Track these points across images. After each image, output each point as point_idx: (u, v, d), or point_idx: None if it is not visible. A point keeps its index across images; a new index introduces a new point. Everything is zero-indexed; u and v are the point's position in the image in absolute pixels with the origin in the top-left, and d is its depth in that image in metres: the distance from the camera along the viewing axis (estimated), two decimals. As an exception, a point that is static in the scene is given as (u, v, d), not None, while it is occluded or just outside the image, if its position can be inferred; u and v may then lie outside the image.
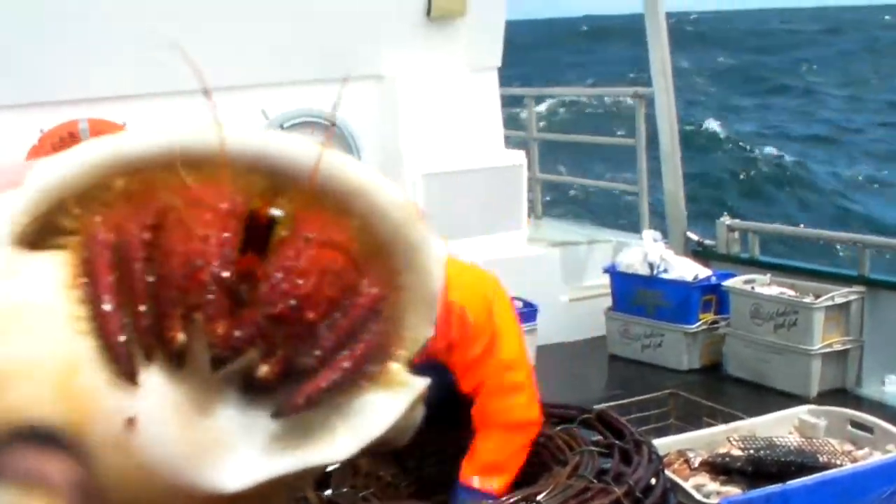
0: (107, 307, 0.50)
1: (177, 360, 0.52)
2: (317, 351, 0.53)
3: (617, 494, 2.95)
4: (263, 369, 0.53)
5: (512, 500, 2.97)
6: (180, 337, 0.50)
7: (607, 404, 3.70)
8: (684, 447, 4.45)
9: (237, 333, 0.53)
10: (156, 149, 0.56)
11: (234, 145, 0.58)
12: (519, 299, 7.33)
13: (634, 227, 9.00)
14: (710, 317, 7.43)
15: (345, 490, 3.07)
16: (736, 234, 7.95)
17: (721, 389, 6.83)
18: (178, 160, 0.57)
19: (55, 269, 0.54)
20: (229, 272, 0.51)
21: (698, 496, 3.85)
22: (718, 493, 4.05)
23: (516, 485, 3.32)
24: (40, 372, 0.49)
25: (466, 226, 7.70)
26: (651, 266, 7.53)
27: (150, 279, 0.51)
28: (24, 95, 6.46)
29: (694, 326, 7.39)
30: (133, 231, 0.51)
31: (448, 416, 3.65)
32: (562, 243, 8.60)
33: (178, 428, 0.53)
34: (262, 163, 0.59)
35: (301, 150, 0.59)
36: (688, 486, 3.94)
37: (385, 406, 0.59)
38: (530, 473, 3.36)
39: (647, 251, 7.58)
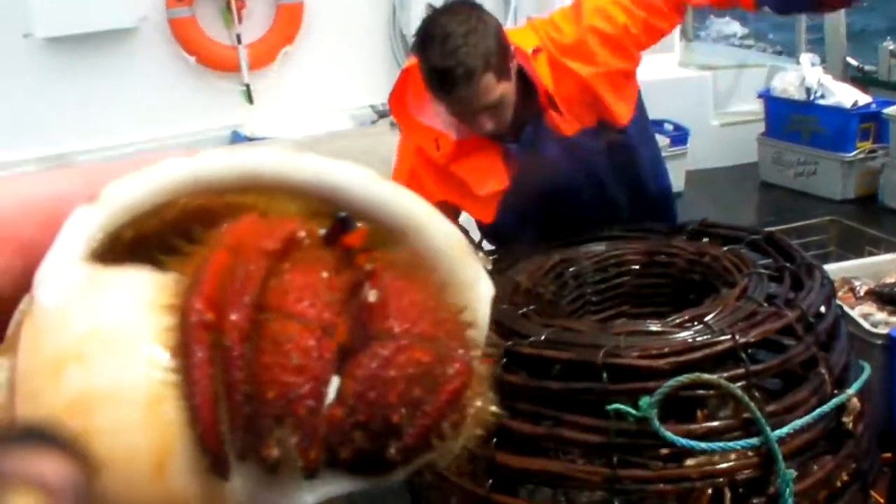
0: (201, 396, 0.49)
1: (267, 468, 0.51)
2: (396, 444, 0.52)
3: (788, 319, 2.83)
4: (342, 456, 0.52)
5: (679, 321, 2.88)
6: (275, 453, 0.49)
7: (768, 229, 3.55)
8: (849, 275, 4.31)
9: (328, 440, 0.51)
10: (231, 173, 0.55)
11: (306, 175, 0.57)
12: (669, 122, 7.18)
13: (790, 52, 8.66)
14: (868, 145, 7.19)
15: (504, 307, 3.02)
16: (900, 60, 7.60)
17: (879, 220, 6.61)
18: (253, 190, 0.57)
19: (137, 287, 0.52)
20: (320, 404, 0.50)
21: (866, 325, 3.73)
22: (887, 324, 3.91)
23: (684, 306, 3.23)
24: (128, 396, 0.48)
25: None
26: (808, 91, 7.27)
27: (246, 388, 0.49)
28: None
29: (851, 155, 7.15)
30: (232, 321, 0.50)
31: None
32: (714, 67, 8.35)
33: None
34: (315, 191, 0.57)
35: (355, 178, 0.57)
36: (855, 314, 3.81)
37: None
38: (696, 294, 3.26)
39: (804, 75, 7.30)
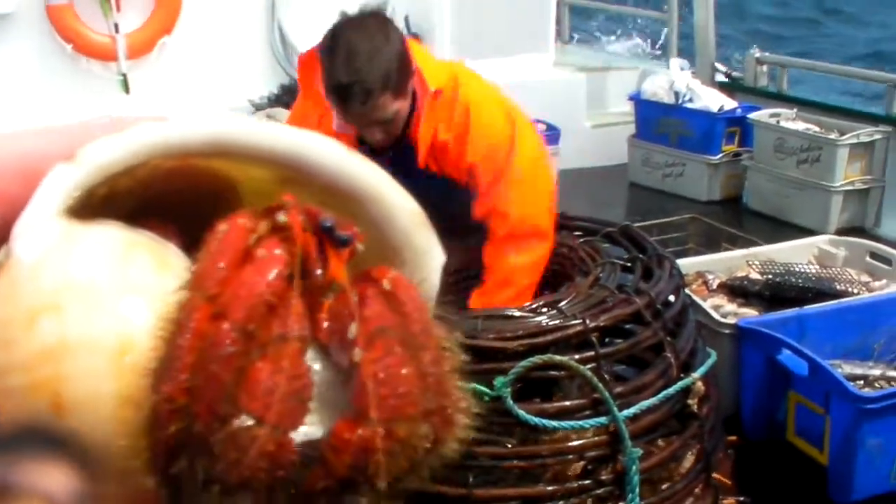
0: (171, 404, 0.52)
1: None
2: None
3: (637, 305, 2.97)
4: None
5: (533, 306, 3.00)
6: (176, 468, 0.53)
7: (623, 222, 3.69)
8: (703, 269, 4.49)
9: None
10: (201, 139, 0.58)
11: (268, 141, 0.60)
12: (542, 122, 7.31)
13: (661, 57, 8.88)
14: (733, 148, 7.42)
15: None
16: (764, 68, 7.84)
17: (740, 221, 6.84)
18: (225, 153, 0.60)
19: (110, 242, 0.55)
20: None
21: (716, 315, 3.89)
22: (736, 315, 4.09)
23: (538, 293, 3.36)
24: (98, 346, 0.51)
25: (493, 45, 7.62)
26: (676, 95, 7.47)
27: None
28: None
29: (716, 157, 7.38)
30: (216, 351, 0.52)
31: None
32: (587, 69, 8.52)
33: None
34: (284, 159, 0.61)
35: (324, 147, 0.61)
36: (706, 305, 3.98)
37: None
38: (552, 283, 3.39)
39: (673, 79, 7.51)
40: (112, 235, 0.55)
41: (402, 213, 0.62)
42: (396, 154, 3.39)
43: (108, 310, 0.52)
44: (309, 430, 0.54)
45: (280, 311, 0.52)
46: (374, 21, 3.33)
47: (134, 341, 0.51)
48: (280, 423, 0.51)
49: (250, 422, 0.50)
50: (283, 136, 0.59)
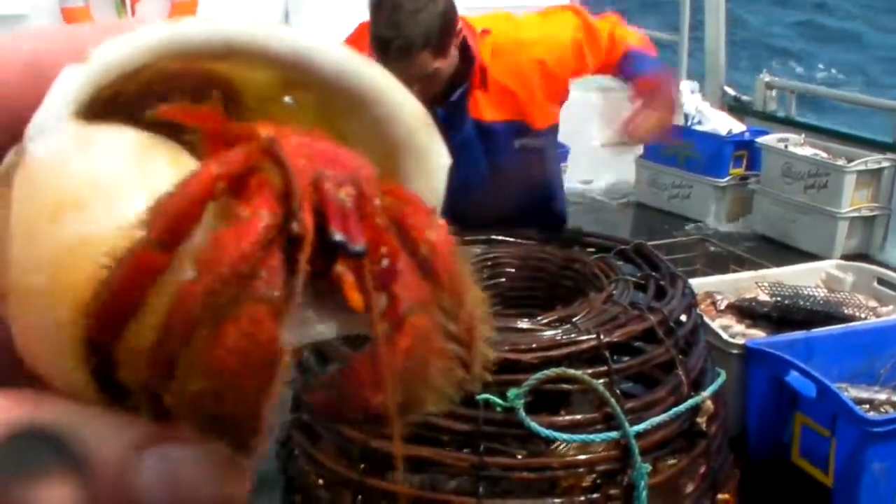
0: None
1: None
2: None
3: (650, 322, 3.00)
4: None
5: (548, 320, 3.03)
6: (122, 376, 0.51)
7: (637, 241, 3.72)
8: (711, 290, 4.52)
9: None
10: (208, 40, 0.58)
11: (281, 45, 0.59)
12: (550, 140, 7.35)
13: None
14: (740, 172, 7.45)
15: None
16: (774, 93, 7.88)
17: (747, 244, 6.87)
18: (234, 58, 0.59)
19: (126, 141, 0.54)
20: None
21: (725, 335, 3.92)
22: (744, 335, 4.12)
23: (552, 308, 3.38)
24: (121, 241, 0.49)
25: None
26: (685, 117, 7.51)
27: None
28: None
29: (723, 180, 7.41)
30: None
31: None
32: (598, 87, 8.55)
33: None
34: (288, 61, 0.60)
35: (328, 47, 0.60)
36: (715, 325, 4.00)
37: None
38: (566, 298, 3.41)
39: (682, 101, 7.54)
40: (128, 135, 0.55)
41: (405, 113, 0.61)
42: (450, 113, 3.52)
43: (133, 206, 0.51)
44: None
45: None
46: None
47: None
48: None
49: None
50: (286, 37, 0.58)
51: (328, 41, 0.59)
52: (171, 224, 0.49)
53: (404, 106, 0.61)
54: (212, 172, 0.50)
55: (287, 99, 0.61)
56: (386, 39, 3.25)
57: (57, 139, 0.53)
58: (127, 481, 0.50)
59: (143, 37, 0.56)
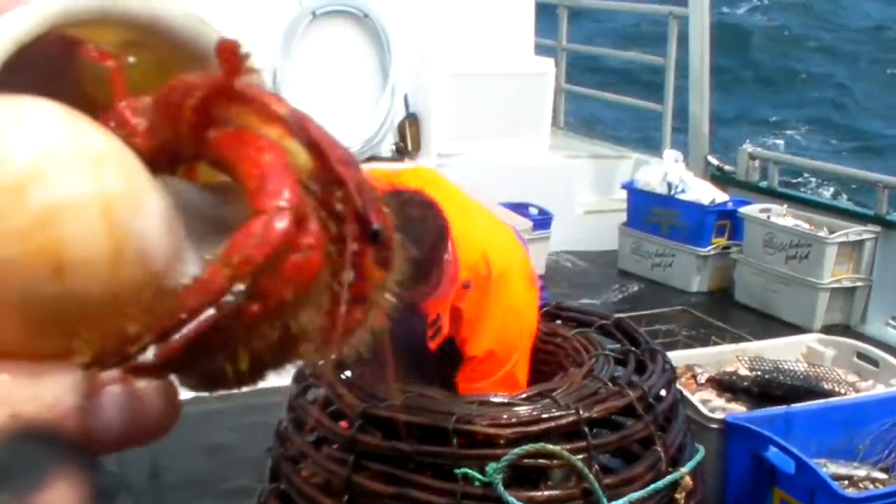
0: None
1: None
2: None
3: (630, 398, 3.01)
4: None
5: (527, 395, 3.04)
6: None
7: (617, 315, 3.74)
8: (692, 362, 4.53)
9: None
10: (101, 8, 0.61)
11: (135, 7, 0.64)
12: (533, 206, 7.39)
13: (656, 148, 8.98)
14: (722, 241, 7.49)
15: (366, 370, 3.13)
16: (756, 163, 7.95)
17: (728, 314, 6.89)
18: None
19: (54, 110, 0.56)
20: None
21: (704, 410, 3.92)
22: (724, 410, 4.13)
23: (532, 382, 3.39)
24: (87, 207, 0.53)
25: (489, 128, 7.76)
26: (669, 186, 7.55)
27: None
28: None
29: (706, 249, 7.44)
30: None
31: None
32: (582, 155, 8.63)
33: None
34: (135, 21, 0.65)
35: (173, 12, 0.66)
36: (695, 399, 4.01)
37: None
38: (546, 372, 3.42)
39: (666, 170, 7.59)
40: (50, 105, 0.56)
41: (189, 31, 0.66)
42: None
43: (85, 172, 0.53)
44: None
45: None
46: (421, 201, 3.12)
47: (113, 201, 0.54)
48: None
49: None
50: (146, 2, 0.63)
51: (174, 4, 0.65)
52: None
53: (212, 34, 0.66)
54: (281, 230, 0.54)
55: (131, 59, 0.66)
56: None
57: None
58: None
59: (40, 8, 0.58)
